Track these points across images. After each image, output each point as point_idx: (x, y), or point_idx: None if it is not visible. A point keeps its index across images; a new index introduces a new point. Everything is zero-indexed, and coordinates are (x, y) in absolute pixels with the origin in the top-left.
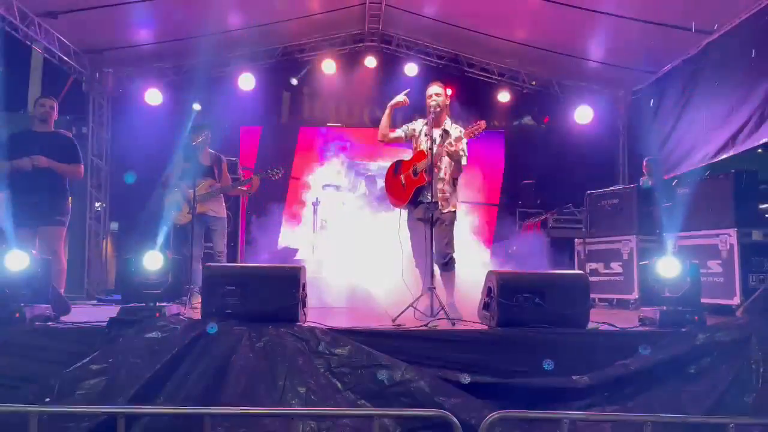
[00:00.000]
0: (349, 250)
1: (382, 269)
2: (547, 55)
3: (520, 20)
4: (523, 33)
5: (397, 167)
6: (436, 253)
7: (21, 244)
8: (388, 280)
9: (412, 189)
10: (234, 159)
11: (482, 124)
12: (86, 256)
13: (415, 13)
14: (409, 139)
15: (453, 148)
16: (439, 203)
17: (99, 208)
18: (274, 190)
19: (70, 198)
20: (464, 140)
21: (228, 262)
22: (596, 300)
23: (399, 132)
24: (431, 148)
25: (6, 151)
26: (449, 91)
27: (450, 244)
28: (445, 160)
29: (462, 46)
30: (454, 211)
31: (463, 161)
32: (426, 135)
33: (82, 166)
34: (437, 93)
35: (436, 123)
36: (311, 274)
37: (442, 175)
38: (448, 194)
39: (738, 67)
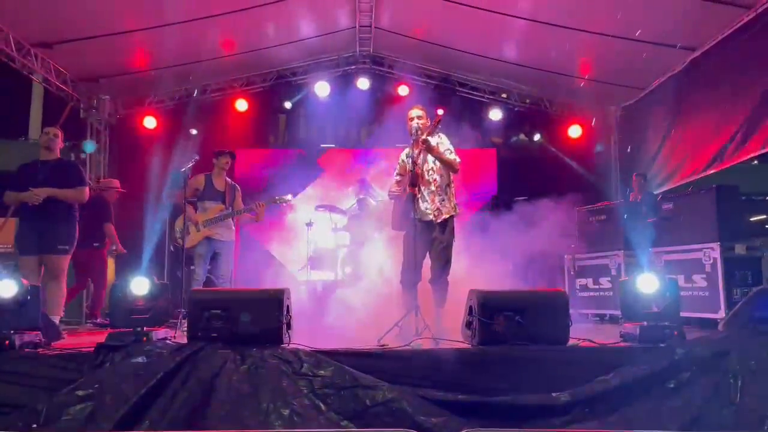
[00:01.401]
0: (343, 270)
1: (376, 287)
2: (537, 73)
3: (509, 40)
4: (512, 53)
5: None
6: (431, 272)
7: (25, 272)
8: (382, 298)
9: (400, 210)
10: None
11: (439, 116)
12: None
13: (404, 35)
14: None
15: (436, 153)
16: (432, 215)
17: None
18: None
19: (77, 224)
20: (445, 140)
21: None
22: (589, 315)
23: (397, 177)
24: (412, 170)
25: (15, 182)
26: (441, 111)
27: (446, 267)
28: (435, 170)
29: (453, 66)
30: (451, 217)
31: (450, 156)
32: (408, 157)
33: (86, 188)
34: (418, 116)
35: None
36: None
37: (433, 188)
38: (438, 203)
39: (722, 82)
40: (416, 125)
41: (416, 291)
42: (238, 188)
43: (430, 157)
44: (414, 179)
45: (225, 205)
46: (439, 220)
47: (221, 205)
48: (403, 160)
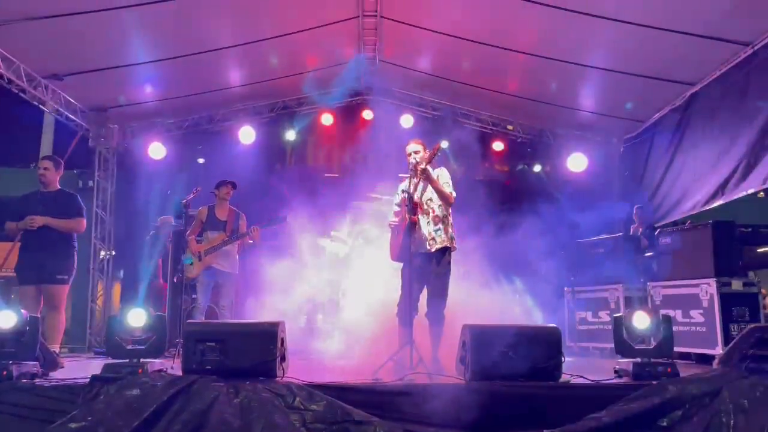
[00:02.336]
0: (344, 297)
1: (374, 317)
2: (539, 105)
3: (512, 74)
4: (515, 85)
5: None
6: (427, 305)
7: (25, 302)
8: (380, 328)
9: (399, 241)
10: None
11: (437, 145)
12: (89, 307)
13: (408, 68)
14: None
15: (434, 184)
16: (427, 244)
17: (105, 256)
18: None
19: (75, 254)
20: (445, 173)
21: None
22: (590, 348)
23: (396, 207)
24: (410, 198)
25: (16, 213)
26: (445, 144)
27: (441, 301)
28: (432, 201)
29: (456, 98)
30: (447, 249)
31: (447, 189)
32: (404, 191)
33: (84, 219)
34: (416, 150)
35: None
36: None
37: (430, 218)
38: (434, 233)
39: (722, 116)
40: (413, 160)
41: (412, 326)
42: (242, 215)
43: (429, 188)
44: (412, 208)
45: (226, 233)
46: (433, 250)
47: (223, 234)
48: (402, 191)
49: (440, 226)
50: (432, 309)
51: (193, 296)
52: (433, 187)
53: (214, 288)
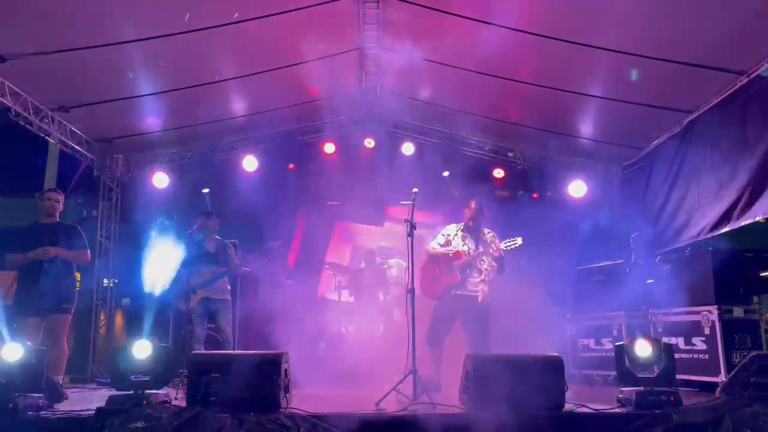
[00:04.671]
0: (346, 327)
1: (378, 347)
2: (538, 133)
3: (512, 103)
4: (515, 114)
5: (432, 259)
6: (476, 346)
7: (26, 333)
8: (383, 358)
9: (444, 284)
10: (235, 241)
11: (518, 240)
12: (91, 336)
13: (410, 97)
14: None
15: (497, 254)
16: (479, 298)
17: (108, 285)
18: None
19: (78, 283)
20: (497, 241)
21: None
22: (594, 375)
23: (440, 244)
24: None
25: (20, 244)
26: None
27: (488, 340)
28: (487, 261)
29: (456, 127)
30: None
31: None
32: (460, 237)
33: (88, 251)
34: (470, 207)
35: (473, 230)
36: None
37: (483, 276)
38: (486, 293)
39: (722, 144)
40: (470, 215)
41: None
42: (228, 244)
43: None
44: (467, 264)
45: (218, 266)
46: (483, 305)
47: (215, 267)
48: (449, 234)
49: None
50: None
51: (189, 328)
52: (494, 258)
53: (209, 316)
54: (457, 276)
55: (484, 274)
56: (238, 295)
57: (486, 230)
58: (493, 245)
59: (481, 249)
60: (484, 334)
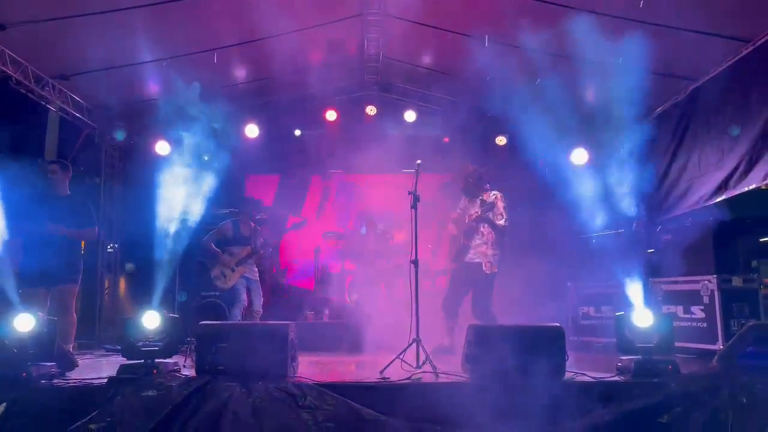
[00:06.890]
0: (350, 296)
1: (382, 315)
2: None
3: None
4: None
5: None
6: (476, 314)
7: (32, 304)
8: (387, 326)
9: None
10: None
11: (475, 169)
12: (98, 303)
13: (412, 64)
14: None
15: (485, 215)
16: (483, 265)
17: (110, 249)
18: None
19: (82, 253)
20: (500, 203)
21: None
22: (594, 342)
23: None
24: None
25: (24, 210)
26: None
27: (490, 307)
28: (489, 224)
29: (459, 93)
30: (495, 273)
31: (499, 221)
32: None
33: (96, 228)
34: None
35: (473, 195)
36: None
37: (483, 239)
38: (491, 257)
39: (724, 111)
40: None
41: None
42: (260, 231)
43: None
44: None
45: (251, 247)
46: (489, 272)
47: (248, 248)
48: (460, 207)
49: (495, 250)
50: (482, 318)
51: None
52: (484, 220)
53: (246, 292)
54: (461, 241)
55: (485, 237)
56: None
57: (492, 193)
58: (494, 207)
59: (479, 211)
60: (484, 304)
